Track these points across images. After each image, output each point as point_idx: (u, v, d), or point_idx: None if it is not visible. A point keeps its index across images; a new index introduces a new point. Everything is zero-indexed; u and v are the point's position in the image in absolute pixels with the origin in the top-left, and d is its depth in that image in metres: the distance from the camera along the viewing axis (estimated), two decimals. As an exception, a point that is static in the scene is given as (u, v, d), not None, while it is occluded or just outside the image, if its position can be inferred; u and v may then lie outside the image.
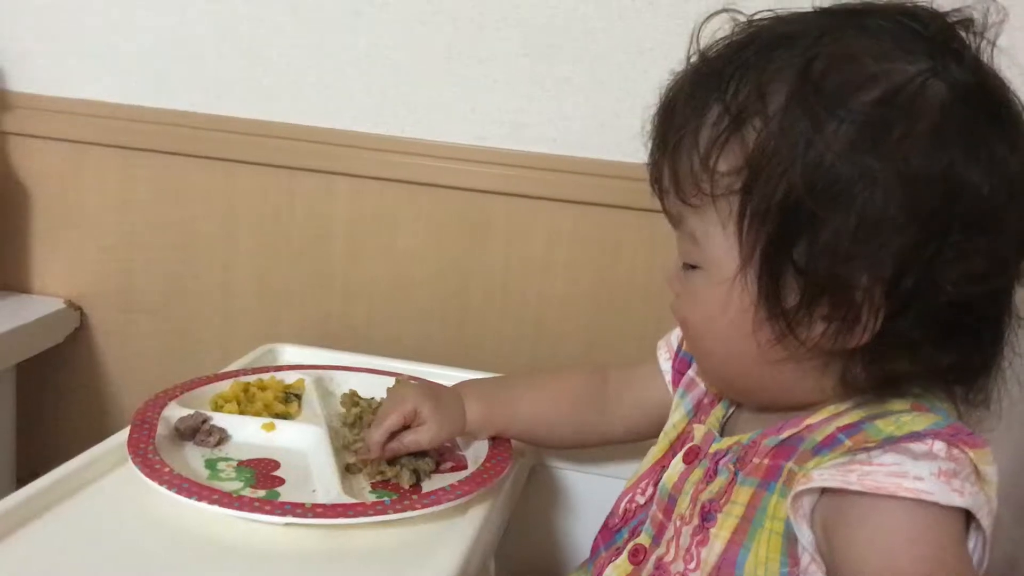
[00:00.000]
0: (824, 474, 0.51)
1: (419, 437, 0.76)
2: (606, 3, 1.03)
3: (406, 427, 0.76)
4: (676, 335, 0.77)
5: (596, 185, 1.06)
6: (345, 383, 0.93)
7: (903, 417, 0.53)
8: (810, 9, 0.56)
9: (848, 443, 0.52)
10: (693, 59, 0.58)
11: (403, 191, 1.11)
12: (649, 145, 0.60)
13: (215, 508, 0.66)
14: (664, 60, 1.04)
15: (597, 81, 1.05)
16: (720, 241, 0.55)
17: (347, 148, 1.10)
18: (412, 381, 0.91)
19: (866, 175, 0.50)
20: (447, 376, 0.96)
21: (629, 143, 1.06)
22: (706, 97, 0.55)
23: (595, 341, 1.10)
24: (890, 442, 0.51)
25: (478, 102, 1.08)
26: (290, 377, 0.91)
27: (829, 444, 0.53)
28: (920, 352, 0.53)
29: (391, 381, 0.92)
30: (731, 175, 0.53)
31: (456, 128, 1.09)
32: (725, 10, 0.58)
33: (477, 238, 1.11)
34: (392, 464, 0.76)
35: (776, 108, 0.52)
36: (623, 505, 0.68)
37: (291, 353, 1.02)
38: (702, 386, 0.69)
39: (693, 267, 0.58)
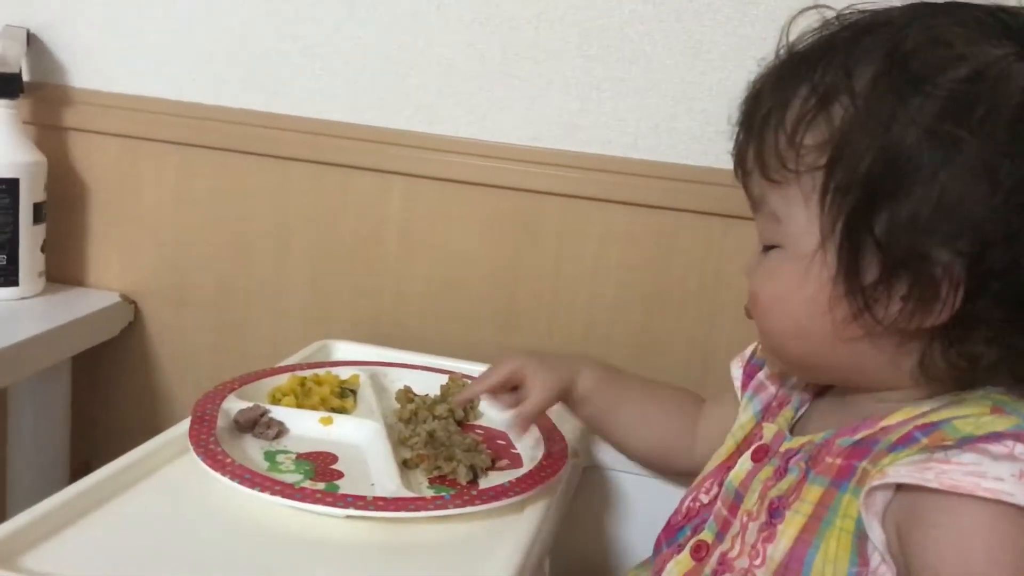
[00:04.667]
0: (900, 470, 0.51)
1: (533, 397, 0.79)
2: (664, 4, 1.03)
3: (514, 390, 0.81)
4: (751, 350, 0.77)
5: (650, 187, 1.06)
6: (399, 380, 0.93)
7: (983, 418, 0.52)
8: (898, 4, 0.57)
9: (925, 441, 0.52)
10: (782, 52, 0.59)
11: (457, 191, 1.11)
12: (735, 132, 0.60)
13: (277, 499, 0.67)
14: (721, 62, 1.05)
15: (653, 83, 1.05)
16: (802, 217, 0.55)
17: (402, 147, 1.11)
18: (466, 379, 0.92)
19: (949, 149, 0.50)
20: (498, 375, 0.97)
21: (684, 145, 1.06)
22: (794, 80, 0.56)
23: (647, 343, 1.09)
24: (968, 441, 0.50)
25: (533, 103, 1.08)
26: (345, 373, 0.91)
27: (905, 442, 0.53)
28: (999, 335, 0.53)
29: (444, 378, 0.93)
30: (816, 151, 0.54)
31: (511, 128, 1.09)
32: (816, 6, 0.59)
33: (530, 238, 1.11)
34: (449, 460, 0.76)
35: (863, 86, 0.53)
36: (686, 504, 0.67)
37: (344, 349, 1.03)
38: (772, 389, 0.69)
39: (771, 248, 0.59)
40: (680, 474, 0.83)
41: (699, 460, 0.76)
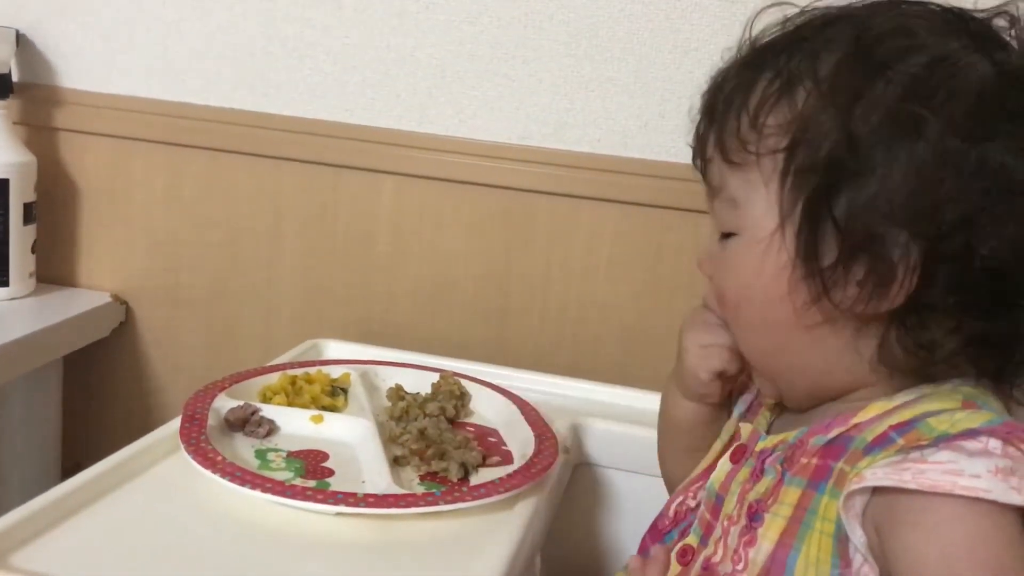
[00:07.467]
0: (877, 473, 0.50)
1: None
2: (652, 3, 1.03)
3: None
4: None
5: (639, 185, 1.07)
6: (390, 378, 0.93)
7: (956, 415, 0.52)
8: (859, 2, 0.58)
9: (901, 441, 0.51)
10: (744, 48, 0.59)
11: (447, 189, 1.11)
12: (695, 123, 0.61)
13: (268, 496, 0.67)
14: (709, 60, 1.04)
15: (641, 81, 1.06)
16: (761, 200, 0.56)
17: (392, 147, 1.11)
18: (455, 377, 0.92)
19: (911, 132, 0.50)
20: (488, 373, 0.97)
21: (673, 143, 1.06)
22: (759, 67, 0.56)
23: (636, 341, 1.10)
24: (944, 439, 0.50)
25: (523, 101, 1.08)
26: (336, 371, 0.92)
27: (881, 443, 0.52)
28: (954, 320, 0.53)
29: (435, 377, 0.93)
30: (778, 133, 0.54)
31: (500, 127, 1.09)
32: (780, 3, 0.59)
33: (520, 237, 1.11)
34: (440, 457, 0.76)
35: (827, 71, 0.53)
36: (673, 507, 0.67)
37: (335, 348, 1.03)
38: (755, 388, 0.69)
39: (729, 236, 0.59)
40: None
41: None
